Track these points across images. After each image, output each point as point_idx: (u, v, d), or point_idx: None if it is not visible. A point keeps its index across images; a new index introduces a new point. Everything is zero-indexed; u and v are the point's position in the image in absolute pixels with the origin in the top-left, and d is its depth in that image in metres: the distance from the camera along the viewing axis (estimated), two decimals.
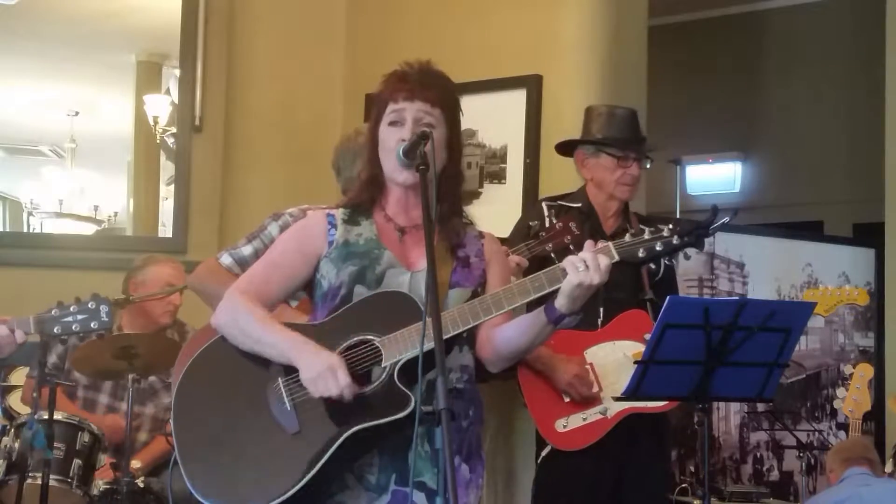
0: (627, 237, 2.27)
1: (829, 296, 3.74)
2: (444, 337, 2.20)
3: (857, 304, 3.89)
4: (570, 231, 3.27)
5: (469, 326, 2.28)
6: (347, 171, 3.07)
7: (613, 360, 3.41)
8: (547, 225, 3.42)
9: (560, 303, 2.24)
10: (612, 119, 3.64)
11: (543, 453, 3.45)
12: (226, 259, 3.07)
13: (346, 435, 2.20)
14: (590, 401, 3.39)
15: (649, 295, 3.51)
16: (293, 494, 2.19)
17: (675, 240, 2.25)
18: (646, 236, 2.26)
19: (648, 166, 3.63)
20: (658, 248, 2.26)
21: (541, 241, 3.26)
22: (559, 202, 3.62)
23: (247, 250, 3.06)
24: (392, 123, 2.37)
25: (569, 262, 2.22)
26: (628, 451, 3.45)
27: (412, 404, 2.17)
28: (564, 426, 3.38)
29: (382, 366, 2.24)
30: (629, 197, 3.61)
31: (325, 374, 2.20)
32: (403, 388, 2.20)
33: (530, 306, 2.33)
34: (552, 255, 3.27)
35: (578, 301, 2.23)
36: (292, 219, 3.04)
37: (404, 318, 2.24)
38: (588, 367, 3.41)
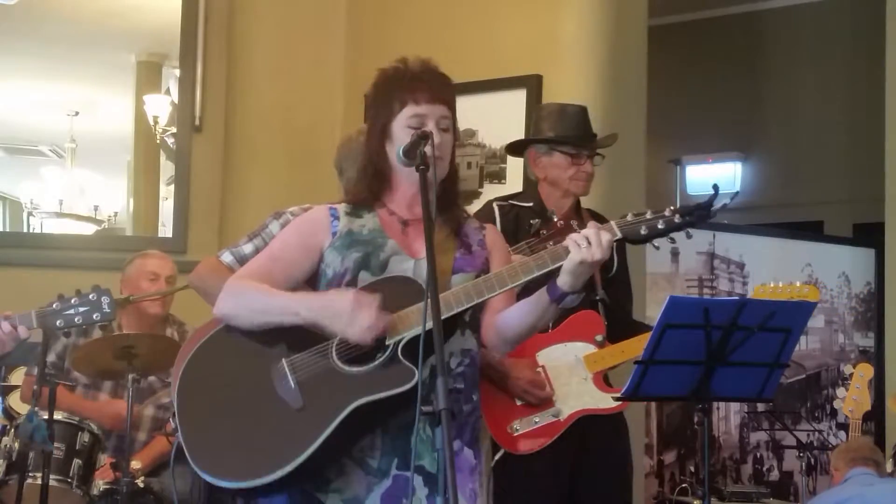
0: (630, 216, 2.30)
1: (778, 293, 3.74)
2: (449, 313, 2.24)
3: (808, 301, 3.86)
4: (572, 229, 3.26)
5: (473, 303, 2.28)
6: (350, 171, 3.06)
7: (565, 362, 3.37)
8: (497, 224, 3.41)
9: (563, 280, 2.26)
10: (563, 117, 3.59)
11: (496, 457, 3.37)
12: (227, 257, 3.07)
13: (349, 408, 2.20)
14: (543, 403, 3.35)
15: (601, 295, 3.47)
16: (293, 472, 2.18)
17: (676, 218, 2.28)
18: (648, 216, 2.29)
19: (599, 164, 3.60)
20: (660, 227, 2.29)
21: (542, 240, 3.25)
22: (510, 202, 3.58)
23: (248, 248, 3.06)
24: (412, 126, 2.34)
25: (571, 239, 2.24)
26: (583, 454, 3.40)
27: (415, 378, 2.18)
28: (517, 430, 3.33)
29: (386, 343, 2.24)
30: (584, 191, 3.56)
31: (354, 311, 2.19)
32: (407, 363, 2.21)
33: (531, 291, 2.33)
34: None
35: (581, 278, 2.25)
36: (293, 217, 3.03)
37: (408, 300, 2.25)
38: (540, 369, 3.38)
